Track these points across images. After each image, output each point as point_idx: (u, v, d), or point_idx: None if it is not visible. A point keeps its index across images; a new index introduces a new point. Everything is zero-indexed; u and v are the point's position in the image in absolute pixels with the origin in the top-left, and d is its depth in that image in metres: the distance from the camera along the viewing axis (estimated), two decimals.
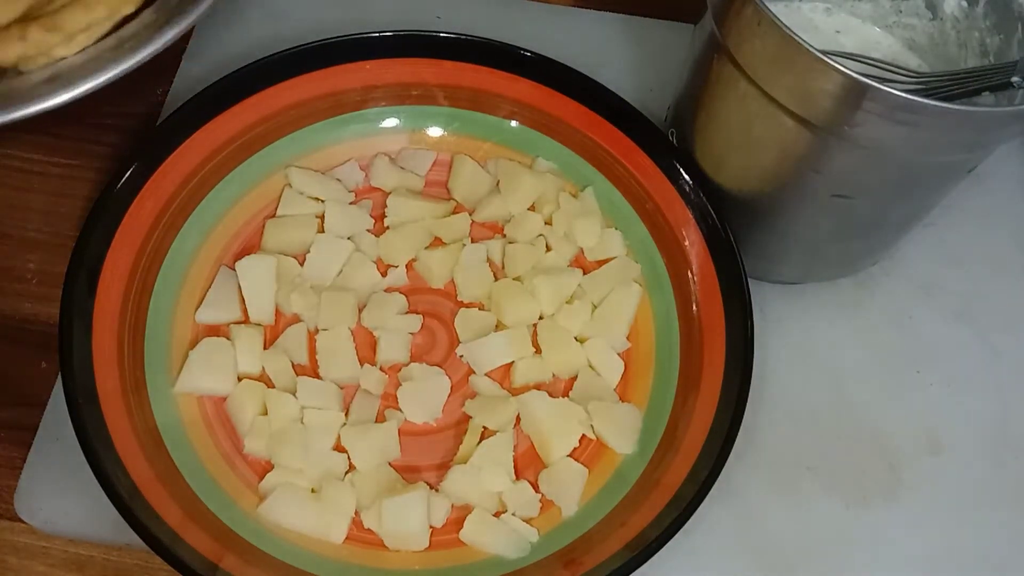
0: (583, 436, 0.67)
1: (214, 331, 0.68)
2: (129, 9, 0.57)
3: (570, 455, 0.67)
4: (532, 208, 0.74)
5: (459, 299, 0.72)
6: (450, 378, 0.69)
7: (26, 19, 0.54)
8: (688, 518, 0.61)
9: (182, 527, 0.60)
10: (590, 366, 0.70)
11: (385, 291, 0.71)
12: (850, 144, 0.57)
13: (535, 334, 0.70)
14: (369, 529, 0.64)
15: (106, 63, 0.57)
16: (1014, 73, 0.59)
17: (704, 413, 0.65)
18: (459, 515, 0.64)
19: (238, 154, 0.72)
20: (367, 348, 0.69)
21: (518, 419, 0.67)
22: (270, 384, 0.67)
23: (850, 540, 0.67)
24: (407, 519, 0.63)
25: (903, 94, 0.52)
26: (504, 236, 0.73)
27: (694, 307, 0.70)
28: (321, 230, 0.72)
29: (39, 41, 0.56)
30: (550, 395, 0.68)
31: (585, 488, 0.66)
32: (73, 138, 0.76)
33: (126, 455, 0.61)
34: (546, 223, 0.74)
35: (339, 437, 0.66)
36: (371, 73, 0.73)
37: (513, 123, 0.75)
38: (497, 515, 0.64)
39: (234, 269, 0.70)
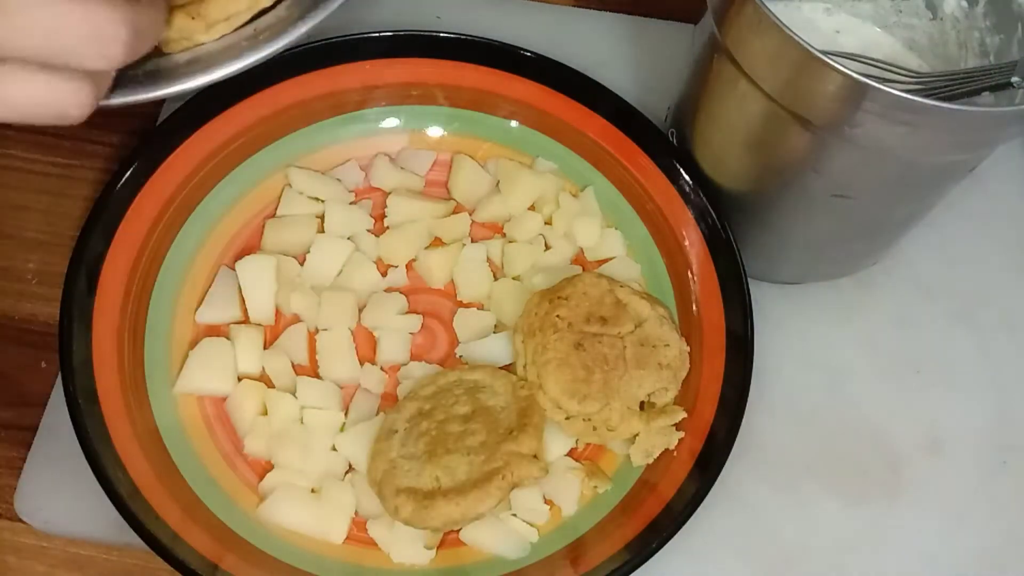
0: None
1: (214, 331, 0.68)
2: (267, 3, 0.61)
3: (569, 455, 0.67)
4: (532, 208, 0.74)
5: (459, 299, 0.71)
6: None
7: (174, 6, 0.59)
8: (688, 518, 0.61)
9: (182, 527, 0.60)
10: None
11: (385, 291, 0.71)
12: (850, 144, 0.57)
13: None
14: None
15: (242, 51, 0.60)
16: (1014, 73, 0.59)
17: (704, 413, 0.66)
18: None
19: (238, 154, 0.71)
20: (367, 348, 0.69)
21: None
22: (270, 384, 0.67)
23: (850, 540, 0.67)
24: (414, 540, 0.63)
25: (903, 94, 0.51)
26: (504, 236, 0.73)
27: (694, 307, 0.69)
28: (321, 230, 0.71)
29: (183, 27, 0.59)
30: None
31: (584, 488, 0.66)
32: (73, 138, 0.76)
33: (126, 455, 0.61)
34: (546, 223, 0.74)
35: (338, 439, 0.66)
36: (371, 73, 0.73)
37: (513, 123, 0.75)
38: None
39: (234, 269, 0.69)
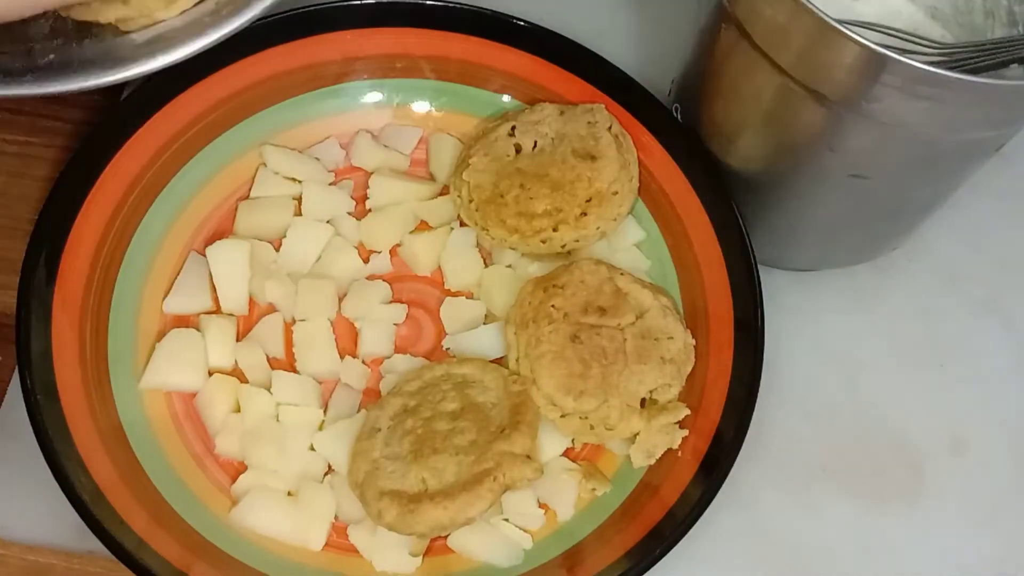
0: None
1: (183, 322, 0.68)
2: None
3: (565, 455, 0.66)
4: None
5: (446, 287, 0.71)
6: None
7: None
8: (693, 524, 0.60)
9: (148, 533, 0.59)
10: None
11: (367, 279, 0.70)
12: (868, 120, 0.56)
13: None
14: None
15: (205, 28, 0.59)
16: None
17: (710, 410, 0.64)
18: None
19: (209, 131, 0.70)
20: (348, 340, 0.69)
21: None
22: (243, 379, 0.66)
23: (866, 547, 0.67)
24: (399, 547, 0.63)
25: (925, 66, 0.50)
26: None
27: (700, 296, 0.68)
28: (298, 213, 0.71)
29: (141, 5, 0.58)
30: None
31: (581, 491, 0.65)
32: (30, 113, 0.75)
33: (88, 455, 0.60)
34: None
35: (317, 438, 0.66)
36: (352, 44, 0.72)
37: (505, 97, 0.74)
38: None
39: (204, 255, 0.69)
